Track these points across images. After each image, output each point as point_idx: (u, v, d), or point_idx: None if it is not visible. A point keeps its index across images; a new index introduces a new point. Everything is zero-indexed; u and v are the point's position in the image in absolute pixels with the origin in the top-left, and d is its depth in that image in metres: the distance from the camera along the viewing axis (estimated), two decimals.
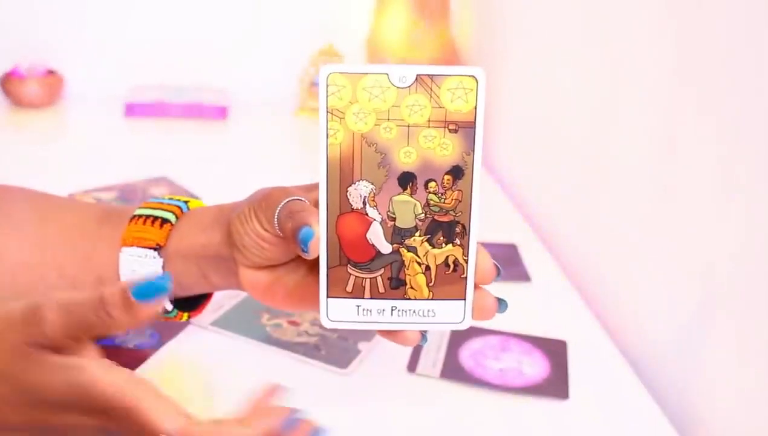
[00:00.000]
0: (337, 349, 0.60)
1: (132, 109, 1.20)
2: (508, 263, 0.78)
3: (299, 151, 1.16)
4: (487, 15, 1.18)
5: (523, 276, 0.76)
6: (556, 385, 0.58)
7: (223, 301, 0.66)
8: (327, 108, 0.39)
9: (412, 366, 0.59)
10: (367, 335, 0.62)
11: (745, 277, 0.54)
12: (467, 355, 0.61)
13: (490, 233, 0.68)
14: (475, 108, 0.40)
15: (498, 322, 0.66)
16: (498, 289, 0.78)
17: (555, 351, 0.63)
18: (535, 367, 0.60)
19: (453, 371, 0.59)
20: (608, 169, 0.76)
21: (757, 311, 0.52)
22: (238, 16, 1.31)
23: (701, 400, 0.58)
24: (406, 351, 0.61)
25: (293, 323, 0.63)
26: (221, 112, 1.23)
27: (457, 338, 0.63)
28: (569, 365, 0.61)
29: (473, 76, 0.39)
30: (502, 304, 0.45)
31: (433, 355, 0.61)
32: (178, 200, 0.55)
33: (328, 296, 0.42)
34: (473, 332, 0.64)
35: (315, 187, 0.48)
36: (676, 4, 0.64)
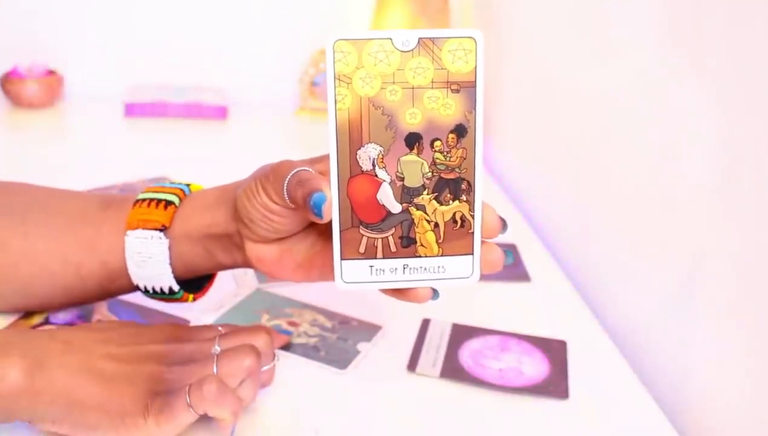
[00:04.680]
0: (336, 349, 0.60)
1: (132, 109, 1.20)
2: None
3: (299, 151, 1.16)
4: (487, 15, 1.18)
5: (523, 276, 0.76)
6: (556, 385, 0.58)
7: (223, 300, 0.66)
8: (335, 74, 0.40)
9: (411, 366, 0.59)
10: (366, 335, 0.62)
11: (747, 277, 0.54)
12: (467, 355, 0.61)
13: None
14: (475, 68, 0.41)
15: (498, 322, 0.67)
16: (498, 289, 0.78)
17: (555, 351, 0.63)
18: (535, 367, 0.60)
19: (453, 370, 0.59)
20: (609, 169, 0.76)
21: (759, 312, 0.52)
22: (238, 16, 1.31)
23: (702, 400, 0.58)
24: (406, 351, 0.61)
25: (292, 324, 0.63)
26: (221, 112, 1.23)
27: (457, 338, 0.63)
28: (569, 365, 0.61)
29: (472, 38, 0.40)
30: (508, 255, 0.46)
31: (433, 354, 0.61)
32: (180, 184, 0.56)
33: (342, 259, 0.43)
34: (473, 332, 0.64)
35: (319, 159, 0.49)
36: (677, 3, 0.64)
